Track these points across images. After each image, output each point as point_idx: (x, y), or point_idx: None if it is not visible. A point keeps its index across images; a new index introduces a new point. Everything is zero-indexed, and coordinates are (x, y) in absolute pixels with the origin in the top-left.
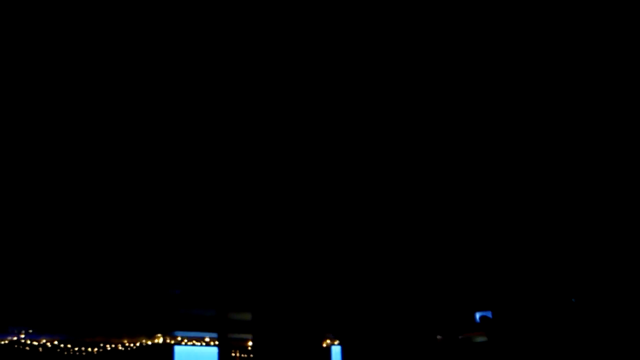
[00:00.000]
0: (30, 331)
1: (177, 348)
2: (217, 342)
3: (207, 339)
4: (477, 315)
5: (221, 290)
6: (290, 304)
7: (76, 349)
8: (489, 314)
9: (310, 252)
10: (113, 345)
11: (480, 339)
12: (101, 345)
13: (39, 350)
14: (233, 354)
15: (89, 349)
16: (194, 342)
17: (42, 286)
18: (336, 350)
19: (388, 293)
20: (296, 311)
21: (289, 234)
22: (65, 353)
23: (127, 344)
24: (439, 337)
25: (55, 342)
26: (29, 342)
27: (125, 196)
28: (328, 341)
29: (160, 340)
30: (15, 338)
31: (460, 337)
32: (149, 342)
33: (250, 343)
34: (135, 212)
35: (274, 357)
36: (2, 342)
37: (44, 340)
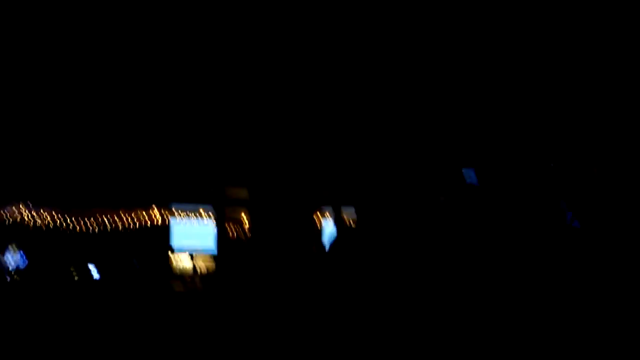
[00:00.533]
0: (28, 204)
1: (174, 221)
2: (212, 217)
3: (203, 213)
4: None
5: (218, 163)
6: (285, 179)
7: (74, 220)
8: (472, 172)
9: (308, 125)
10: (109, 217)
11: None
12: (98, 217)
13: (36, 223)
14: (228, 229)
15: (86, 221)
16: (190, 215)
17: (39, 159)
18: (328, 227)
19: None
20: (291, 186)
21: (288, 110)
22: (63, 225)
23: (123, 217)
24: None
25: (53, 215)
26: (26, 214)
27: (121, 65)
28: (320, 217)
29: (157, 213)
30: (13, 210)
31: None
32: (146, 215)
33: (244, 217)
34: (133, 84)
35: (269, 231)
36: (1, 215)
37: (42, 213)
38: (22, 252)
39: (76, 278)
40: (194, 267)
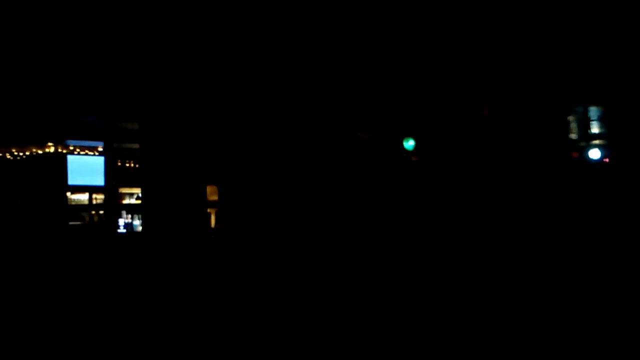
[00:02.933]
0: None
1: (70, 157)
2: (106, 153)
3: (100, 149)
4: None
5: (109, 97)
6: (178, 112)
7: None
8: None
9: (198, 59)
10: (1, 154)
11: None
12: None
13: None
14: (127, 164)
15: None
16: (87, 151)
17: None
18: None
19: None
20: (184, 120)
21: (179, 39)
22: None
23: (16, 154)
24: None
25: None
26: None
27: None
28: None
29: (52, 149)
30: None
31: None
32: (40, 152)
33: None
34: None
35: (161, 166)
36: None
37: None
38: None
39: None
40: (90, 202)
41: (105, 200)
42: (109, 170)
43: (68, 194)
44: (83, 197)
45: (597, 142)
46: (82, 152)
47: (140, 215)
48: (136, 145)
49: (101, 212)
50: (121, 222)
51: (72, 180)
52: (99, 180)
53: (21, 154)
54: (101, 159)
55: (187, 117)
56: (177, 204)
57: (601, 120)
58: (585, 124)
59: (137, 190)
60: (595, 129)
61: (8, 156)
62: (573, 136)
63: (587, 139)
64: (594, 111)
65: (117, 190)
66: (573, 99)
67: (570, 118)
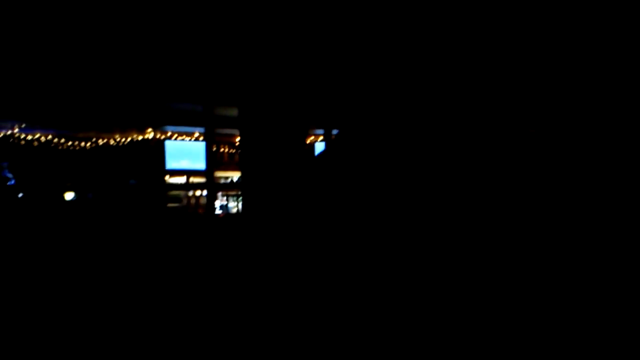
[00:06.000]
0: (24, 125)
1: (167, 143)
2: (204, 137)
3: (196, 134)
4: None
5: (208, 84)
6: (276, 99)
7: (69, 143)
8: None
9: (300, 46)
10: (105, 140)
11: None
12: (93, 139)
13: (33, 144)
14: (222, 149)
15: (82, 144)
16: (184, 137)
17: (35, 80)
18: (320, 147)
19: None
20: (282, 107)
21: (278, 26)
22: (59, 147)
23: (118, 139)
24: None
25: (49, 137)
26: (22, 136)
27: None
28: (312, 138)
29: (151, 135)
30: (9, 132)
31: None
32: (140, 137)
33: (237, 139)
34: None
35: (260, 152)
36: None
37: (38, 135)
38: (7, 171)
39: (70, 197)
40: (188, 184)
41: (206, 183)
42: (210, 155)
43: (166, 177)
44: (180, 181)
45: None
46: (179, 138)
47: (234, 198)
48: (230, 131)
49: (197, 193)
50: (217, 204)
51: (170, 164)
52: (195, 165)
53: (123, 139)
54: (197, 144)
55: (288, 103)
56: (277, 186)
57: None
58: None
59: (231, 174)
60: None
61: (112, 142)
62: None
63: None
64: None
65: (214, 174)
66: None
67: None
